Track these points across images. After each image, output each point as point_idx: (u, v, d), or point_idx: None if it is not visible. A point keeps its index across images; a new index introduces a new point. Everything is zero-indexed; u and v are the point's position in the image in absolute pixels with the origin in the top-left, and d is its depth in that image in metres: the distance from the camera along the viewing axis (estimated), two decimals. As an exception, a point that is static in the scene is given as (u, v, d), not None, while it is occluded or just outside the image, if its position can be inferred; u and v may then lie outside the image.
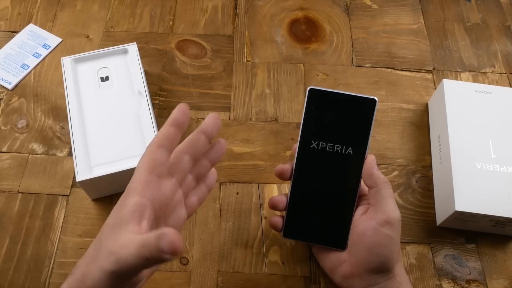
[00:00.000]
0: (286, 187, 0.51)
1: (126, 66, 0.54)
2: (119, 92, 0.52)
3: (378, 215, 0.39)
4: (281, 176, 0.43)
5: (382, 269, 0.38)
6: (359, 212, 0.41)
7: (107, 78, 0.53)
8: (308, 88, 0.42)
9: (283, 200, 0.43)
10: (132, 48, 0.54)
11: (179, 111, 0.34)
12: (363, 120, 0.41)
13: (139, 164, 0.33)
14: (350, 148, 0.41)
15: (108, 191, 0.50)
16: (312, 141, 0.42)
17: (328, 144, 0.41)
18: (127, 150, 0.48)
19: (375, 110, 0.40)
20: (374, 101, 0.40)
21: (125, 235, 0.29)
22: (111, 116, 0.50)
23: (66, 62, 0.53)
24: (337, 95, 0.41)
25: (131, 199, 0.31)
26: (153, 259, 0.26)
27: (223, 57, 0.61)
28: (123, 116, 0.50)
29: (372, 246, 0.38)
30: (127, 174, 0.46)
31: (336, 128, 0.41)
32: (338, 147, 0.41)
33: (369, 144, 0.41)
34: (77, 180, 0.45)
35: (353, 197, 0.41)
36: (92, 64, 0.53)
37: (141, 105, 0.50)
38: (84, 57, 0.54)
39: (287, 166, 0.43)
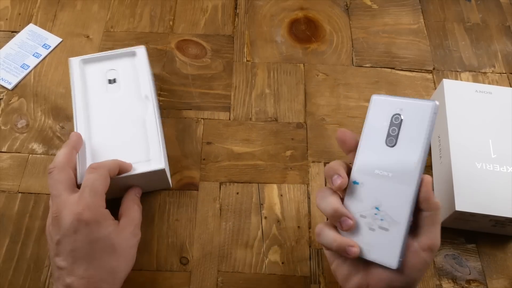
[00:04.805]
0: (286, 187, 0.52)
1: (134, 69, 0.52)
2: (125, 95, 0.51)
3: (423, 239, 0.37)
4: (344, 144, 0.40)
5: None
6: None
7: (114, 81, 0.52)
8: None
9: None
10: (141, 51, 0.53)
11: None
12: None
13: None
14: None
15: (109, 195, 0.49)
16: None
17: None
18: (130, 154, 0.46)
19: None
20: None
21: None
22: (116, 119, 0.49)
23: (74, 62, 0.52)
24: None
25: None
26: None
27: (223, 57, 0.61)
28: (128, 120, 0.49)
29: (406, 267, 0.37)
30: (128, 179, 0.46)
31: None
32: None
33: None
34: (78, 183, 0.45)
35: None
36: (99, 66, 0.52)
37: (147, 110, 0.49)
38: (92, 59, 0.53)
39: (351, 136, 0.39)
